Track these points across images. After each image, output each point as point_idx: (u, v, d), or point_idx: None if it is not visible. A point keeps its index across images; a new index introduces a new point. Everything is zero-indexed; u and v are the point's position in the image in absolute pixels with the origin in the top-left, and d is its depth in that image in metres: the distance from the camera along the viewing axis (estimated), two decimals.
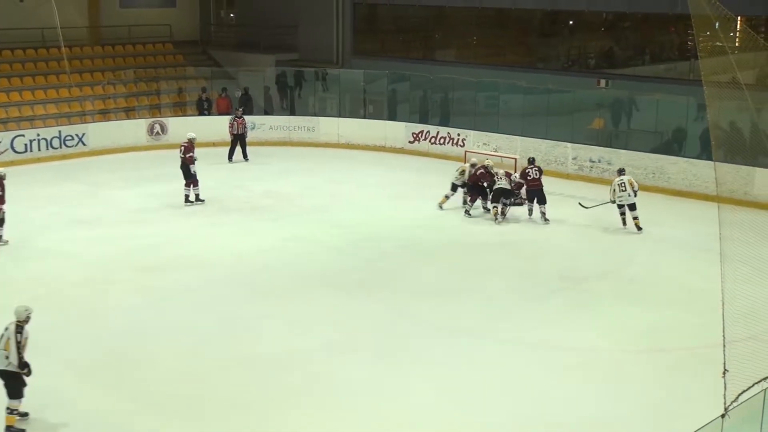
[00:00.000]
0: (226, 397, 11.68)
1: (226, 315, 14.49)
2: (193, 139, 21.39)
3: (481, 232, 19.51)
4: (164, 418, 11.27)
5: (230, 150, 26.06)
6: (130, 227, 19.40)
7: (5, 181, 18.21)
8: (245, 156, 26.06)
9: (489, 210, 20.51)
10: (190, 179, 21.05)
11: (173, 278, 16.23)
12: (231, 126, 26.10)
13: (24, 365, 10.76)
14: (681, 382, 12.20)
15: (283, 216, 20.47)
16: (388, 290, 15.81)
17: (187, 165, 20.97)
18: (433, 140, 27.11)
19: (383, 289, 15.86)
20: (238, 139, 26.09)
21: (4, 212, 18.01)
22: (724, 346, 9.36)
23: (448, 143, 26.50)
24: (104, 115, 28.62)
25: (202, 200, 21.18)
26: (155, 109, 29.61)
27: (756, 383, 9.66)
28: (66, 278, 16.15)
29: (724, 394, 9.20)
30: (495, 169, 20.46)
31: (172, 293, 15.49)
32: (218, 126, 28.19)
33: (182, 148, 21.13)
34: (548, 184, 23.35)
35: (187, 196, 21.07)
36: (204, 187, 22.03)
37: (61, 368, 12.50)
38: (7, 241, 17.90)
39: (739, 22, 20.82)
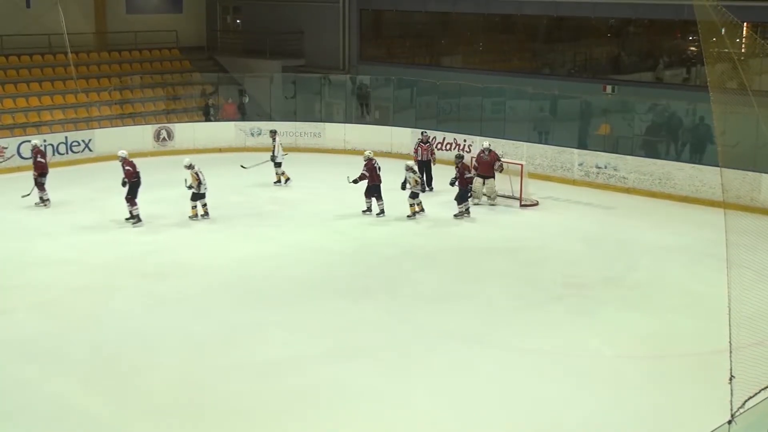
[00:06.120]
0: (226, 403, 11.65)
1: (228, 321, 14.46)
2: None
3: (483, 239, 19.48)
4: (165, 425, 11.26)
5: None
6: (133, 233, 19.43)
7: None
8: (428, 184, 23.23)
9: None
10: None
11: (175, 284, 16.23)
12: (415, 152, 23.73)
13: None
14: (685, 389, 12.13)
15: (287, 222, 20.47)
16: (390, 296, 15.79)
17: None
18: (439, 146, 27.09)
19: (385, 295, 15.84)
20: (424, 166, 23.12)
21: None
22: (731, 351, 9.32)
23: (454, 149, 26.45)
24: (111, 120, 28.69)
25: None
26: (161, 115, 29.66)
27: (762, 389, 9.62)
28: (68, 284, 16.15)
29: (731, 400, 9.16)
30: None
31: (173, 299, 15.49)
32: (224, 132, 28.28)
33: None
34: (554, 189, 23.48)
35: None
36: (208, 194, 22.06)
37: (62, 374, 12.52)
38: None
39: (745, 29, 20.81)
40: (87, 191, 22.78)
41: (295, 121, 29.75)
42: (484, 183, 21.90)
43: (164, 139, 28.14)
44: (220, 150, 27.11)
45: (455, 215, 20.72)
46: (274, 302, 15.41)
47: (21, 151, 25.37)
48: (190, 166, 20.31)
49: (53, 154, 25.86)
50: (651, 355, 13.29)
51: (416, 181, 20.54)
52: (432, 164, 23.47)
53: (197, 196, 20.34)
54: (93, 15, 32.17)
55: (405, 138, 27.97)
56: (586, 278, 16.77)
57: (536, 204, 22.01)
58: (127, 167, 20.16)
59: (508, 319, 14.81)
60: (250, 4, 34.98)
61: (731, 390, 9.19)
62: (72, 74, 28.40)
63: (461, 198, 20.78)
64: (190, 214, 20.40)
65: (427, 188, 23.03)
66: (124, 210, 20.45)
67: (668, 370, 12.77)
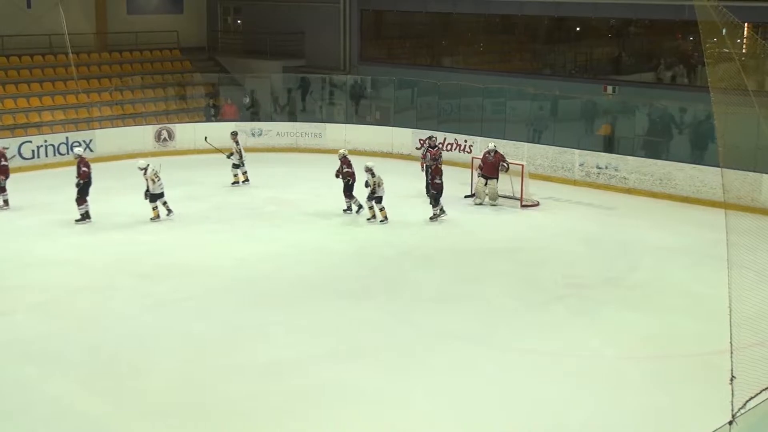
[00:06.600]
0: (227, 404, 11.64)
1: (228, 322, 14.45)
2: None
3: (484, 239, 19.49)
4: (165, 426, 11.25)
5: (426, 183, 22.46)
6: (133, 234, 19.43)
7: None
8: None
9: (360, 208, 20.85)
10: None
11: (175, 285, 16.22)
12: (424, 157, 22.90)
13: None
14: (685, 389, 12.13)
15: (287, 222, 20.46)
16: (390, 297, 15.78)
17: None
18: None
19: (385, 296, 15.83)
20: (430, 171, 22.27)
21: None
22: (732, 352, 9.31)
23: (455, 149, 26.47)
24: (111, 121, 28.69)
25: None
26: (162, 116, 29.66)
27: (763, 390, 9.62)
28: (67, 285, 16.15)
29: (732, 401, 9.15)
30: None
31: (173, 300, 15.48)
32: (224, 132, 28.19)
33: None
34: (555, 190, 23.49)
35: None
36: (208, 194, 22.11)
37: (62, 375, 12.51)
38: None
39: (746, 29, 20.81)
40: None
41: (296, 121, 29.79)
42: (486, 183, 21.89)
43: (165, 139, 28.15)
44: (221, 150, 27.04)
45: (431, 218, 20.51)
46: (275, 303, 15.40)
47: (22, 151, 25.40)
48: (144, 169, 20.12)
49: (54, 155, 25.91)
50: (652, 355, 13.29)
51: (375, 183, 20.19)
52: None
53: (155, 197, 20.17)
54: (93, 15, 32.17)
55: (406, 138, 27.98)
56: (587, 279, 16.77)
57: (537, 204, 22.01)
58: (83, 168, 20.11)
59: (508, 319, 14.80)
60: (250, 4, 34.99)
61: (732, 390, 9.17)
62: (73, 75, 28.41)
63: (436, 200, 20.54)
64: (152, 216, 20.22)
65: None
66: (124, 211, 20.50)
67: (669, 371, 12.75)
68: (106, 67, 31.12)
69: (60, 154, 26.14)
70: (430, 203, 20.64)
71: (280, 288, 16.15)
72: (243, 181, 23.92)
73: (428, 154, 22.80)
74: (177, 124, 28.71)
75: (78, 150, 21.23)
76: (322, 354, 13.24)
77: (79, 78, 28.95)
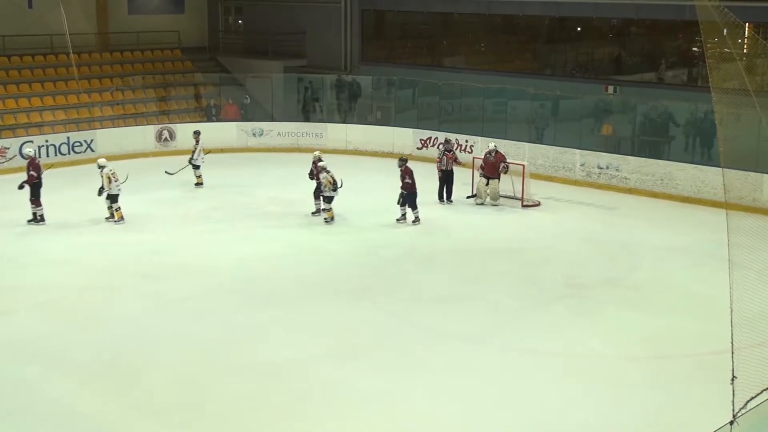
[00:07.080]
0: (227, 404, 11.64)
1: (229, 322, 14.44)
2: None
3: (485, 239, 19.45)
4: (166, 425, 11.24)
5: (440, 189, 22.20)
6: (134, 234, 19.42)
7: None
8: (449, 197, 22.30)
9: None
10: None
11: (176, 285, 16.21)
12: (440, 161, 22.23)
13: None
14: (686, 389, 12.10)
15: (287, 223, 20.42)
16: (391, 297, 15.76)
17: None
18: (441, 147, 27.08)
19: (386, 296, 15.80)
20: (446, 177, 22.19)
21: None
22: (733, 352, 9.30)
23: (456, 150, 26.41)
24: (113, 121, 28.71)
25: None
26: (163, 116, 29.67)
27: (764, 390, 9.61)
28: (69, 285, 16.15)
29: (733, 401, 9.14)
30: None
31: (174, 300, 15.47)
32: (225, 132, 28.30)
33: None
34: (556, 190, 23.47)
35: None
36: (209, 194, 22.07)
37: (63, 375, 12.51)
38: None
39: (747, 29, 20.77)
40: (88, 192, 22.61)
41: (297, 121, 29.78)
42: (487, 183, 21.87)
43: (166, 139, 28.16)
44: (221, 150, 27.09)
45: (413, 221, 20.15)
46: (275, 303, 15.39)
47: (23, 151, 25.38)
48: (102, 167, 19.97)
49: (55, 155, 25.93)
50: (652, 355, 13.27)
51: (329, 181, 19.85)
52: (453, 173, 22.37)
53: (113, 197, 20.04)
54: (95, 15, 32.18)
55: (407, 139, 27.97)
56: (588, 279, 16.75)
57: (538, 204, 21.99)
58: (32, 171, 19.97)
59: (509, 319, 14.79)
60: (251, 4, 35.00)
61: (733, 391, 9.17)
62: (74, 75, 28.42)
63: (410, 202, 20.09)
64: (112, 216, 20.04)
65: (446, 201, 22.21)
66: (124, 211, 20.43)
67: (670, 371, 12.73)
68: (107, 67, 31.12)
69: (61, 154, 26.17)
70: (398, 202, 20.18)
71: (280, 288, 16.13)
72: (201, 184, 23.62)
73: (444, 157, 22.31)
74: (178, 124, 28.69)
75: (28, 151, 21.11)
76: (321, 354, 13.23)
77: (80, 78, 28.95)
